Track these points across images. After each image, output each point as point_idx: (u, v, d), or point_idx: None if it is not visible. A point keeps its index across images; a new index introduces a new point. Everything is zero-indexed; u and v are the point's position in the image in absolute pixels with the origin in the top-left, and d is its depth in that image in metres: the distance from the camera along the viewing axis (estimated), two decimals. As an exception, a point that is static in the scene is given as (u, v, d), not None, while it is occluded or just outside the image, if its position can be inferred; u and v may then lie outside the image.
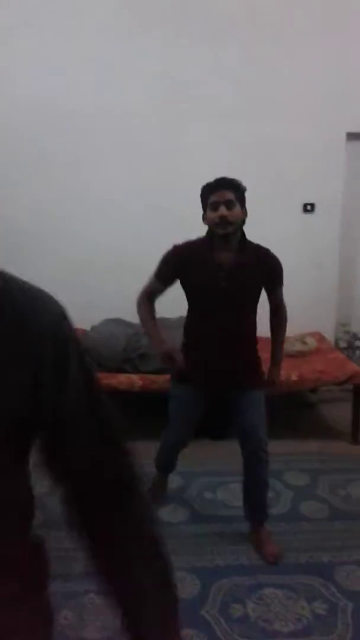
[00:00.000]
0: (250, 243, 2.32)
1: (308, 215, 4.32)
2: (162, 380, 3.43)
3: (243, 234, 2.30)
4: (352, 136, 4.19)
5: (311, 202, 4.29)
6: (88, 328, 4.00)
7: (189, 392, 2.39)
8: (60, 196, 4.22)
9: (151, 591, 0.80)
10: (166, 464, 2.75)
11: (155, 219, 4.21)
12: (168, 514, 2.69)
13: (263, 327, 2.45)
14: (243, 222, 2.27)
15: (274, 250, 4.16)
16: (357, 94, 4.11)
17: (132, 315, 4.05)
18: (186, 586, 2.17)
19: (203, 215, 2.26)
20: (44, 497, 2.95)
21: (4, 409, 0.68)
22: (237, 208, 2.20)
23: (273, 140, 4.14)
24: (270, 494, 2.78)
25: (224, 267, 2.23)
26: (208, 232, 2.29)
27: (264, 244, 4.48)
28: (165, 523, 2.60)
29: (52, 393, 0.71)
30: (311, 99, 4.12)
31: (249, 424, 2.31)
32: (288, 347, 3.94)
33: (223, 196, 2.18)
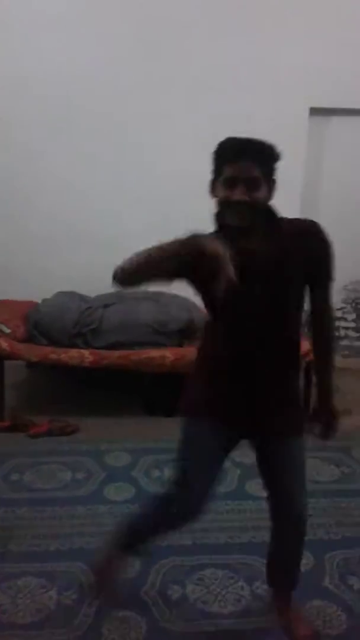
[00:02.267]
0: (283, 218, 1.62)
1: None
2: (113, 356, 3.36)
3: (273, 213, 1.60)
4: (315, 111, 4.12)
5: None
6: (40, 301, 3.88)
7: (207, 433, 1.66)
8: (18, 167, 4.06)
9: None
10: (141, 541, 1.90)
11: (114, 193, 4.10)
12: (113, 491, 2.64)
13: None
14: (268, 202, 1.57)
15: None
16: (321, 68, 4.04)
17: (85, 289, 3.99)
18: (126, 566, 2.12)
19: (211, 183, 1.57)
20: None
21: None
22: (262, 189, 1.50)
23: (235, 114, 4.03)
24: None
25: (254, 266, 1.51)
26: (217, 217, 1.58)
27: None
28: (109, 501, 2.55)
29: None
30: (274, 73, 4.03)
31: (289, 491, 1.73)
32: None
33: (245, 171, 1.48)
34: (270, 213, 1.59)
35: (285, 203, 4.57)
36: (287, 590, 1.88)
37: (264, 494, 2.64)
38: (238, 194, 1.48)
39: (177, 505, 1.72)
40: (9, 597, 1.95)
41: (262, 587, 2.04)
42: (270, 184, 1.55)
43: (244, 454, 2.95)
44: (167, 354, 3.31)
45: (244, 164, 1.48)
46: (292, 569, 1.85)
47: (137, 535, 1.86)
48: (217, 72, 4.01)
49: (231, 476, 2.77)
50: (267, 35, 3.98)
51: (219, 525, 2.38)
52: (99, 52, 3.93)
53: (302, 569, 2.07)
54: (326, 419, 1.76)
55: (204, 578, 2.08)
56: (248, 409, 1.63)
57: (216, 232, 1.58)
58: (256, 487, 2.68)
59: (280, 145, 4.53)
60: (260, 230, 1.56)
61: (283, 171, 4.54)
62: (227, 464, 2.83)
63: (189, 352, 3.39)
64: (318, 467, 2.92)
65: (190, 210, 4.08)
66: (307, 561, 2.17)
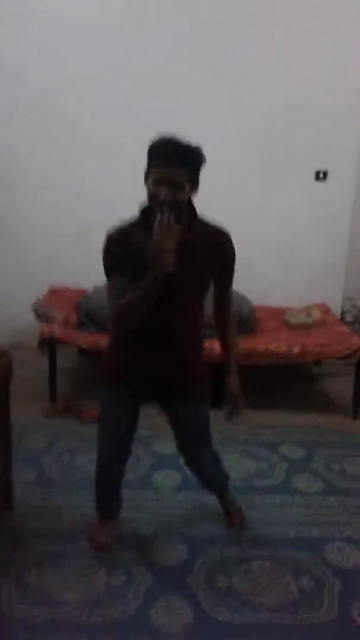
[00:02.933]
0: (201, 219, 1.90)
1: (320, 184, 4.18)
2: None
3: (192, 208, 1.87)
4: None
5: (324, 169, 4.15)
6: (90, 289, 3.93)
7: (119, 399, 2.01)
8: (66, 156, 4.10)
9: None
10: (107, 501, 2.19)
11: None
12: (161, 479, 2.66)
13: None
14: (189, 198, 1.84)
15: (283, 219, 4.13)
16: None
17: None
18: (173, 553, 2.15)
19: (145, 174, 1.80)
20: (38, 455, 2.97)
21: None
22: (186, 189, 1.76)
23: (285, 103, 3.98)
24: (263, 466, 2.80)
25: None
26: (144, 207, 1.85)
27: (272, 212, 4.39)
28: (156, 487, 2.58)
29: None
30: (326, 60, 3.94)
31: (191, 447, 2.14)
32: (291, 318, 3.88)
33: (168, 175, 1.72)
34: (191, 210, 1.86)
35: (338, 194, 4.50)
36: (222, 493, 2.33)
37: (312, 489, 2.66)
38: (163, 194, 1.72)
39: (98, 458, 2.11)
40: (60, 576, 2.01)
41: (309, 583, 2.04)
42: (194, 183, 1.80)
43: (292, 450, 2.97)
44: (214, 345, 3.31)
45: (169, 170, 1.73)
46: (219, 485, 2.30)
47: (97, 493, 2.18)
48: (267, 59, 3.94)
49: (279, 470, 2.77)
50: (319, 19, 3.88)
51: (266, 519, 2.39)
52: (130, 45, 3.91)
53: (351, 567, 2.13)
54: (231, 398, 2.04)
55: (250, 570, 2.09)
56: (149, 378, 1.95)
57: (140, 217, 1.87)
58: (303, 482, 2.68)
59: (333, 135, 4.45)
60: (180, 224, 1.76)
61: (336, 161, 4.45)
62: (274, 457, 2.85)
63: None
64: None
65: (229, 201, 4.10)
66: (355, 559, 2.17)
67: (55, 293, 3.89)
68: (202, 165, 1.81)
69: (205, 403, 2.05)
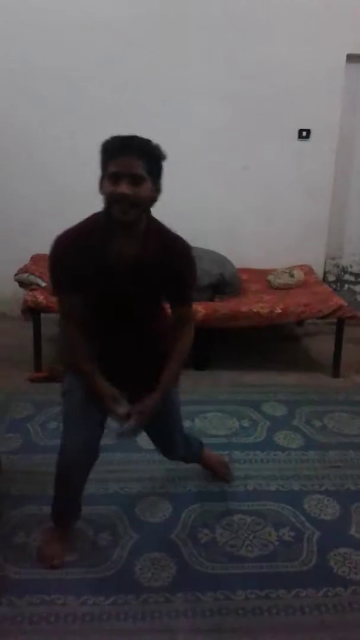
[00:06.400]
0: (158, 226, 1.74)
1: (303, 142, 4.14)
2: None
3: (150, 217, 1.71)
4: (353, 58, 3.96)
5: (307, 128, 4.10)
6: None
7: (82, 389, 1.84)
8: (47, 118, 4.01)
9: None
10: (67, 506, 1.99)
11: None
12: (146, 440, 2.70)
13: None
14: (153, 202, 1.67)
15: (266, 179, 4.10)
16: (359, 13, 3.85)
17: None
18: (158, 510, 2.22)
19: (100, 180, 1.64)
20: (24, 422, 3.00)
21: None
22: (147, 184, 1.59)
23: (269, 61, 3.91)
24: (246, 424, 2.87)
25: (124, 266, 1.66)
26: (104, 210, 1.66)
27: (255, 172, 4.35)
28: (142, 449, 2.63)
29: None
30: (311, 18, 3.86)
31: (163, 437, 2.12)
32: (274, 279, 3.90)
33: (128, 167, 1.56)
34: (149, 219, 1.70)
35: (320, 153, 4.48)
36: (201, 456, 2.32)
37: (292, 445, 2.71)
38: (122, 188, 1.56)
39: (60, 454, 1.89)
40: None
41: (289, 534, 2.11)
42: (156, 184, 1.63)
43: (275, 408, 3.03)
44: (199, 308, 3.32)
45: (127, 160, 1.56)
46: (196, 457, 2.31)
47: (56, 496, 1.98)
48: (250, 16, 3.86)
49: (261, 428, 2.83)
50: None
51: (248, 475, 2.45)
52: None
53: (329, 518, 2.20)
54: (138, 412, 1.80)
55: (232, 523, 2.16)
56: (117, 372, 1.80)
57: (95, 223, 1.69)
58: (284, 438, 2.75)
59: (316, 93, 4.40)
60: (139, 233, 1.67)
61: (319, 119, 4.41)
62: (256, 415, 2.90)
63: (220, 306, 3.40)
64: (345, 420, 2.94)
65: (213, 162, 4.06)
66: (333, 511, 2.24)
67: (38, 261, 3.87)
68: (162, 160, 1.63)
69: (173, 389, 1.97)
